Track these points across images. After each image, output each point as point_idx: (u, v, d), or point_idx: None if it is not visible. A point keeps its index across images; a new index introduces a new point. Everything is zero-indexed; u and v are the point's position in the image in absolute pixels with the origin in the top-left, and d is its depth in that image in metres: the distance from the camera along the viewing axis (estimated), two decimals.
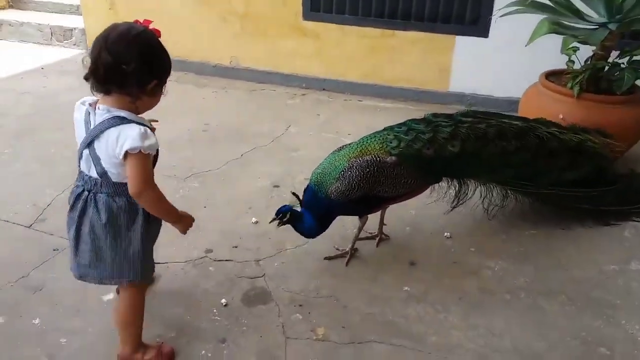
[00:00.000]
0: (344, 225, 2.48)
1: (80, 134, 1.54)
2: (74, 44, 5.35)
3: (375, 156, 2.12)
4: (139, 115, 1.55)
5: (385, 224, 2.45)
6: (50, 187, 2.78)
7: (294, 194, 2.23)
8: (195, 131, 3.50)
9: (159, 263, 2.22)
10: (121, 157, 1.46)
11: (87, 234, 1.57)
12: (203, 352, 1.81)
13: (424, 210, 2.68)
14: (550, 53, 3.38)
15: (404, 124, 2.28)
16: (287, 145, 3.46)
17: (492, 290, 2.18)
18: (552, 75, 3.32)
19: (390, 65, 4.41)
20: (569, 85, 3.02)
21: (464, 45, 4.15)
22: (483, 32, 4.06)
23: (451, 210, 2.50)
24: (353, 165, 2.10)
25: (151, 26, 1.53)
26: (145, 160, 1.49)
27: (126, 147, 1.45)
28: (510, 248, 2.46)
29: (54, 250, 2.29)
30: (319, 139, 3.60)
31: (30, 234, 2.40)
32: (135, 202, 1.55)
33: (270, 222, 2.14)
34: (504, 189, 2.48)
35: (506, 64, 4.08)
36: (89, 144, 1.51)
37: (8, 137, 3.35)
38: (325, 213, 2.18)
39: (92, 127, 1.51)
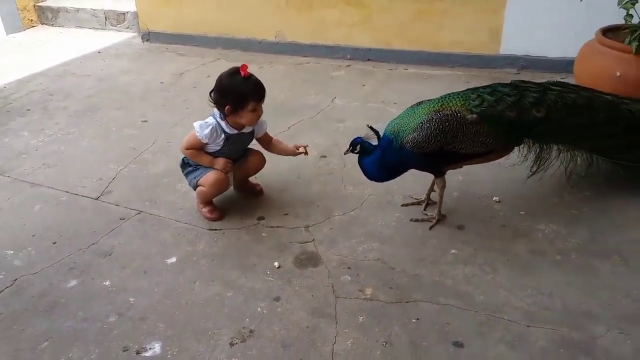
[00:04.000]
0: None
1: None
2: (127, 28, 5.56)
3: (455, 112, 2.13)
4: (240, 126, 2.37)
5: (434, 190, 2.46)
6: (114, 162, 2.97)
7: (371, 127, 2.22)
8: None
9: (215, 229, 2.37)
10: None
11: None
12: (259, 309, 1.93)
13: (472, 177, 2.66)
14: (607, 8, 3.20)
15: (489, 86, 2.28)
16: (333, 117, 3.50)
17: (542, 252, 2.16)
18: (609, 32, 3.15)
19: (438, 30, 4.30)
20: (627, 41, 2.86)
21: (516, 3, 3.98)
22: None
23: (531, 175, 2.44)
24: (432, 118, 2.12)
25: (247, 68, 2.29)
26: (193, 135, 2.33)
27: (194, 123, 2.36)
28: (562, 211, 2.41)
29: (121, 219, 2.46)
30: (364, 109, 3.61)
31: (98, 205, 2.59)
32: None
33: (345, 153, 2.30)
34: (590, 156, 2.41)
35: (560, 22, 3.89)
36: None
37: (74, 117, 3.59)
38: (395, 162, 2.23)
39: None
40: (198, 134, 2.31)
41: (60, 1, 6.01)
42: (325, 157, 3.00)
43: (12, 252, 2.25)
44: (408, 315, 1.87)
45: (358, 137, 2.24)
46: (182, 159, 2.48)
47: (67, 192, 2.69)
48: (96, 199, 2.64)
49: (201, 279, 2.08)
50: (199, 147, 2.36)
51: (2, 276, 2.10)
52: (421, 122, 2.13)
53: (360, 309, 1.91)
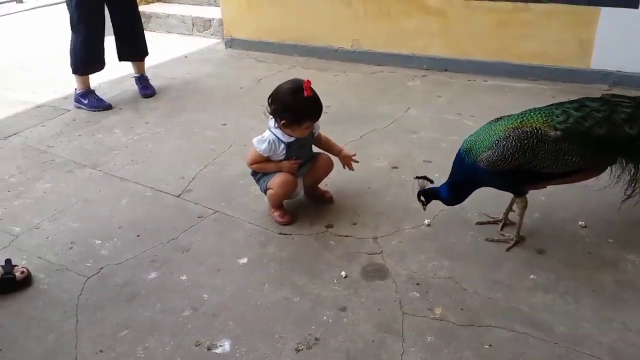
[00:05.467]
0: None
1: None
2: (212, 34, 5.84)
3: (536, 129, 2.02)
4: (292, 136, 2.39)
5: (512, 210, 2.35)
6: (195, 162, 3.11)
7: (417, 177, 2.27)
8: None
9: (284, 234, 2.42)
10: None
11: None
12: (325, 317, 1.94)
13: (555, 197, 2.51)
14: None
15: (576, 100, 2.14)
16: (406, 127, 3.45)
17: (631, 284, 2.00)
18: None
19: (522, 41, 4.12)
20: None
21: (610, 16, 3.73)
22: (632, 1, 3.61)
23: (625, 199, 2.23)
24: (510, 135, 2.03)
25: (310, 83, 2.30)
26: (254, 151, 2.42)
27: (253, 139, 2.45)
28: None
29: (199, 217, 2.58)
30: (439, 121, 3.53)
31: (179, 202, 2.73)
32: None
33: (424, 209, 2.33)
34: None
35: None
36: None
37: (161, 117, 3.81)
38: (466, 180, 2.18)
39: None
40: (258, 149, 2.39)
41: (153, 7, 6.43)
42: (396, 168, 2.96)
43: (99, 241, 2.42)
44: (480, 340, 1.80)
45: (418, 190, 2.29)
46: None
47: (151, 188, 2.86)
48: (177, 196, 2.78)
49: (270, 281, 2.13)
50: (262, 160, 2.44)
51: (89, 264, 2.27)
52: (497, 140, 2.04)
53: (428, 328, 1.86)
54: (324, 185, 2.71)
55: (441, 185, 2.27)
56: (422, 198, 2.29)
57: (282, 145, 2.39)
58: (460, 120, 3.50)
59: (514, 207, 2.33)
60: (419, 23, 4.45)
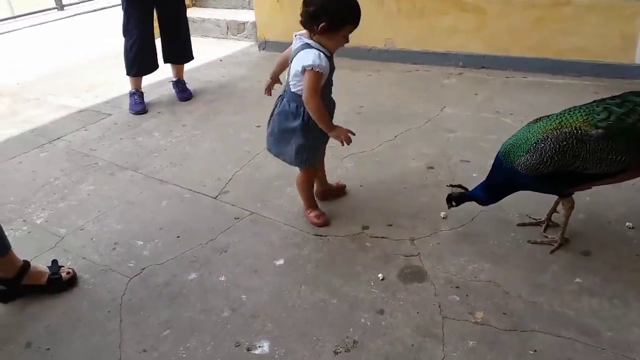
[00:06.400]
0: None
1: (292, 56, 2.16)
2: (246, 37, 5.91)
3: (575, 128, 1.93)
4: (328, 48, 2.10)
5: (556, 211, 2.28)
6: (231, 164, 3.15)
7: (451, 185, 2.29)
8: (350, 114, 3.62)
9: (320, 235, 2.41)
10: (300, 71, 2.06)
11: (272, 123, 2.32)
12: (363, 320, 1.92)
13: (601, 197, 2.41)
14: None
15: (619, 96, 2.04)
16: (442, 127, 3.40)
17: None
18: None
19: (562, 37, 3.99)
20: None
21: None
22: None
23: None
24: (548, 137, 1.95)
25: None
26: (316, 76, 2.05)
27: (305, 63, 2.04)
28: None
29: (235, 218, 2.60)
30: (476, 119, 3.46)
31: (216, 203, 2.76)
32: (300, 110, 2.17)
33: (449, 207, 2.32)
34: None
35: None
36: (291, 61, 2.15)
37: (197, 120, 3.88)
38: (503, 184, 2.14)
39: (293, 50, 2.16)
40: (316, 69, 2.04)
41: (189, 12, 6.48)
42: (432, 168, 2.92)
43: (141, 242, 2.48)
44: (524, 345, 1.75)
45: (448, 195, 2.30)
46: (291, 113, 2.20)
47: (190, 190, 2.92)
48: (215, 198, 2.82)
49: (307, 283, 2.13)
50: (321, 90, 2.11)
51: (132, 264, 2.33)
52: (535, 142, 1.96)
53: (470, 332, 1.82)
54: (358, 184, 2.70)
55: (475, 188, 2.23)
56: (452, 203, 2.30)
57: (325, 59, 2.08)
58: (498, 119, 3.42)
59: (558, 208, 2.25)
60: (455, 20, 4.37)
